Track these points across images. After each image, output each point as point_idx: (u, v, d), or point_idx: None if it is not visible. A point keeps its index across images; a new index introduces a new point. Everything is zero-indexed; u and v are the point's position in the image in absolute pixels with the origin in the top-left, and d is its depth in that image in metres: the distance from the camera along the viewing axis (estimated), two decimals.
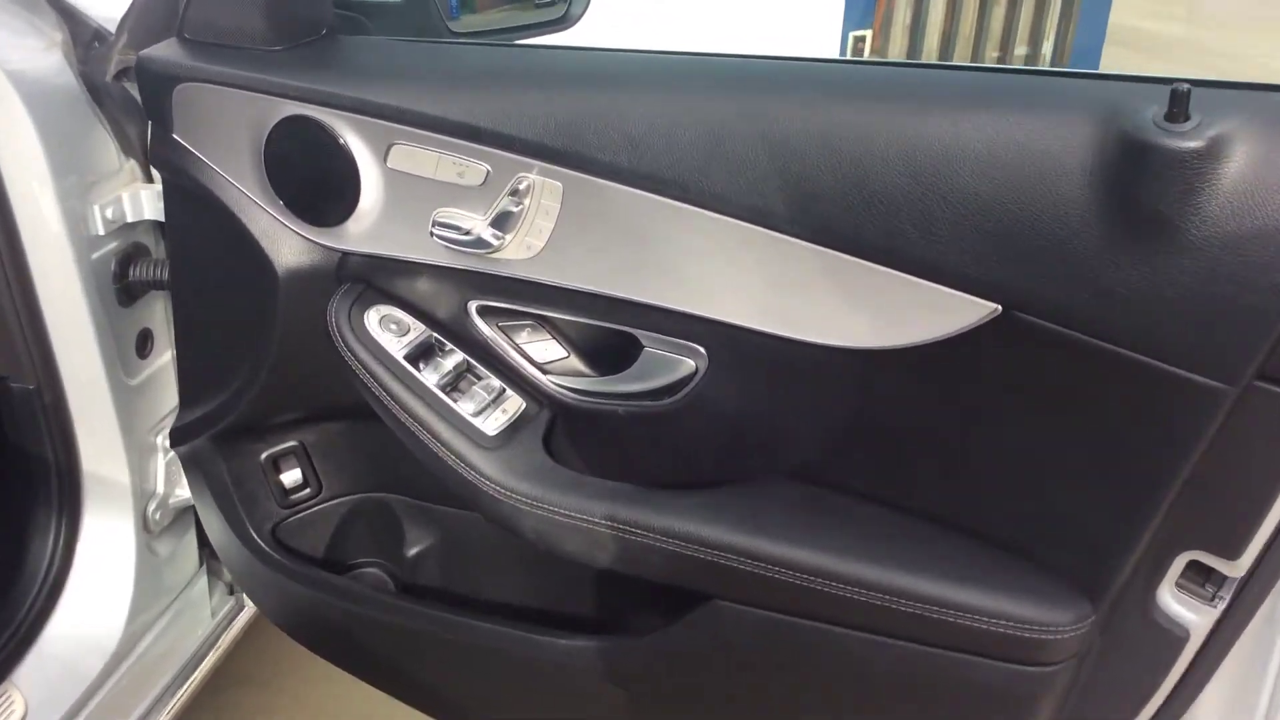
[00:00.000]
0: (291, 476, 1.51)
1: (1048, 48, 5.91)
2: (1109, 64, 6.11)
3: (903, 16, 5.15)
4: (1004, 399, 0.98)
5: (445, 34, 1.48)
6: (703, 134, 1.00)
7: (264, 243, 1.25)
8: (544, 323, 1.23)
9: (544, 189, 1.08)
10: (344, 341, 1.23)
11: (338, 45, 1.25)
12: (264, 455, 1.50)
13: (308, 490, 1.47)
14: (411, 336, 1.25)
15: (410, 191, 1.15)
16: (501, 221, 1.11)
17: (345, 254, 1.25)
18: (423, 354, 1.24)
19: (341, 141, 1.16)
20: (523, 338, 1.25)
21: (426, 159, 1.12)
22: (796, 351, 1.05)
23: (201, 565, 1.68)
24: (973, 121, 0.90)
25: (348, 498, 1.52)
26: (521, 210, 1.10)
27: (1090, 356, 0.88)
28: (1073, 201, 0.86)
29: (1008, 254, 0.89)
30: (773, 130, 0.97)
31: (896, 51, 5.18)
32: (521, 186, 1.09)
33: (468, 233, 1.14)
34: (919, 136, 0.92)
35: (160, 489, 1.54)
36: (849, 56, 4.78)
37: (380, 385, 1.21)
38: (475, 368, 1.26)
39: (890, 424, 1.06)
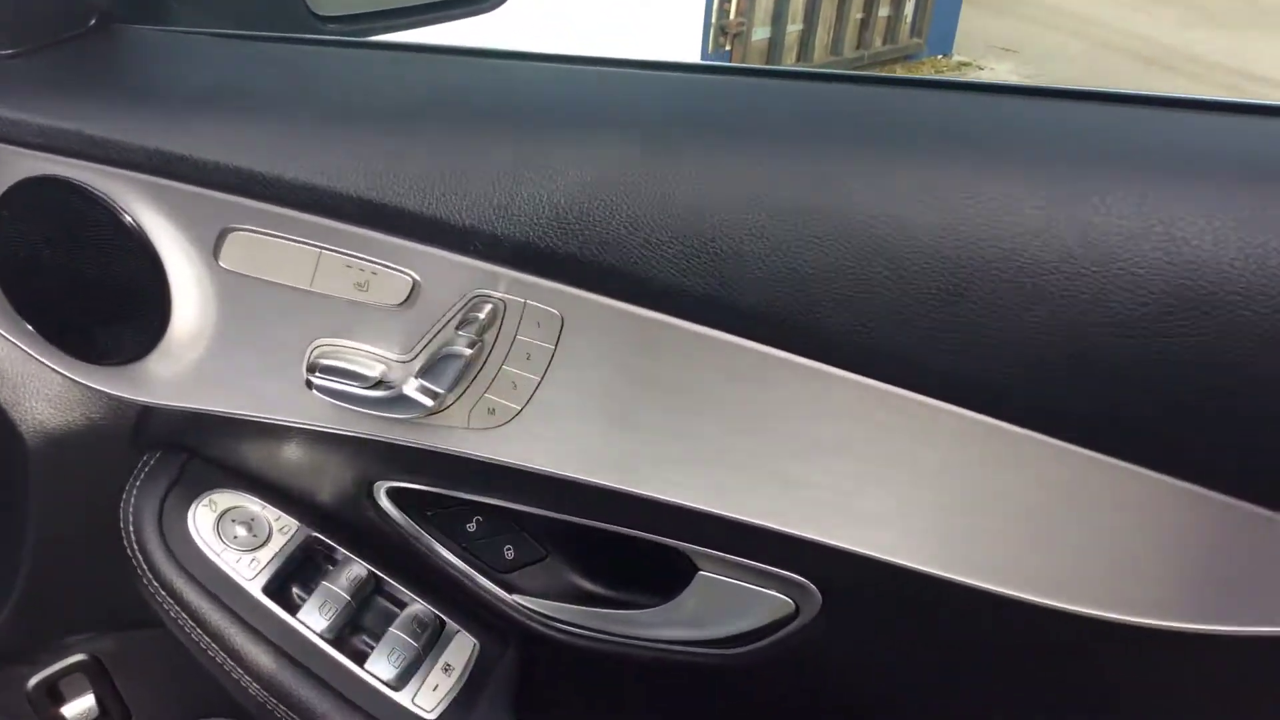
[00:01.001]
0: (79, 707, 0.96)
1: (909, 8, 5.77)
2: (965, 24, 5.98)
3: None
4: None
5: (313, 24, 0.86)
6: (842, 230, 0.52)
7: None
8: (502, 510, 0.73)
9: (525, 320, 0.59)
10: (149, 565, 0.70)
11: (119, 46, 0.71)
12: (33, 681, 0.94)
13: None
14: (275, 546, 0.72)
15: (263, 309, 0.64)
16: (439, 370, 0.60)
17: (147, 408, 0.71)
18: (296, 575, 0.73)
19: (129, 222, 0.62)
20: (471, 531, 0.75)
21: (295, 257, 0.61)
22: (971, 604, 0.59)
23: None
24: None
25: None
26: (479, 353, 0.59)
27: None
28: None
29: None
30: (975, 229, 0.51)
31: (760, 13, 4.81)
32: (480, 314, 0.58)
33: (376, 384, 0.63)
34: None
35: None
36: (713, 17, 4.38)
37: (220, 641, 0.68)
38: (387, 587, 0.74)
39: None
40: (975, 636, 0.63)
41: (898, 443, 0.56)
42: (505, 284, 0.59)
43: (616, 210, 0.55)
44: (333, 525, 0.75)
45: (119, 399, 0.71)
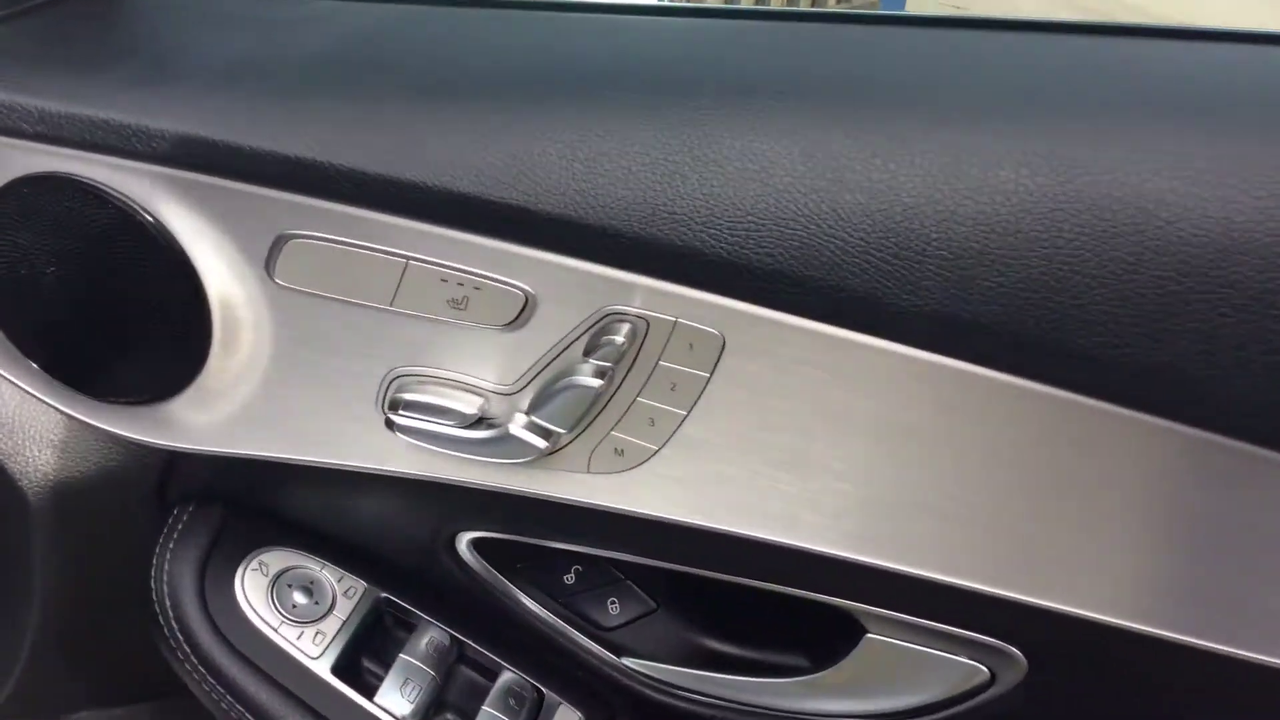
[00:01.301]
0: None
1: None
2: None
3: None
4: None
5: None
6: (1104, 222, 0.41)
7: None
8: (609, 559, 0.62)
9: (674, 341, 0.47)
10: (191, 645, 0.58)
11: (135, 4, 0.57)
12: None
13: None
14: (341, 613, 0.60)
15: (330, 334, 0.52)
16: (557, 404, 0.48)
17: (177, 455, 0.59)
18: (367, 646, 0.61)
19: (156, 229, 0.50)
20: (568, 583, 0.63)
21: (372, 269, 0.49)
22: (1201, 667, 0.49)
23: None
24: None
25: None
26: (609, 383, 0.48)
27: None
28: None
29: None
30: None
31: None
32: (617, 336, 0.47)
33: (475, 422, 0.51)
34: None
35: None
36: None
37: None
38: (471, 653, 0.63)
39: None
40: (1204, 703, 0.53)
41: (1145, 487, 0.45)
42: (645, 298, 0.46)
43: (806, 208, 0.43)
44: (404, 583, 0.63)
45: (142, 443, 0.58)
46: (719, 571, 0.56)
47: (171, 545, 0.60)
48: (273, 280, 0.50)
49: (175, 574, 0.60)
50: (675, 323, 0.47)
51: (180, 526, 0.61)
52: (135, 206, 0.50)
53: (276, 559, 0.61)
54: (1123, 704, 0.54)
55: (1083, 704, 0.55)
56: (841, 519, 0.49)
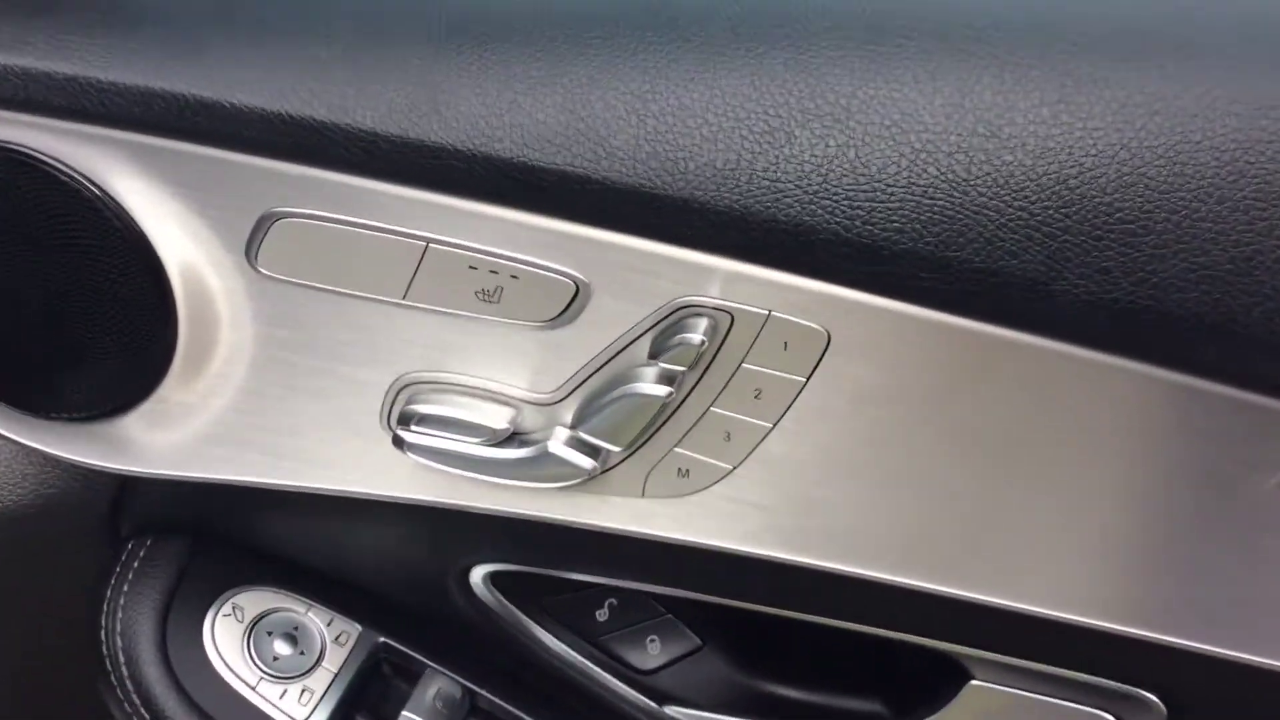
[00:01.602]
0: None
1: None
2: None
3: None
4: None
5: None
6: None
7: None
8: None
9: (764, 339, 0.38)
10: (146, 701, 0.48)
11: None
12: None
13: None
14: (332, 664, 0.51)
15: (326, 334, 0.42)
16: (610, 416, 0.39)
17: (132, 480, 0.48)
18: (364, 702, 0.51)
19: (110, 207, 0.39)
20: (601, 619, 0.54)
21: (382, 255, 0.39)
22: None
23: None
24: None
25: None
26: (678, 389, 0.38)
27: None
28: None
29: None
30: None
31: None
32: (693, 334, 0.37)
33: (506, 439, 0.41)
34: None
35: None
36: None
37: None
38: (485, 704, 0.54)
39: None
40: None
41: None
42: (729, 286, 0.38)
43: (951, 172, 0.34)
44: (406, 624, 0.54)
45: (90, 467, 0.48)
46: (798, 611, 0.48)
47: (125, 587, 0.50)
48: (255, 269, 0.41)
49: (130, 620, 0.50)
50: (768, 316, 0.38)
51: (136, 564, 0.51)
52: (81, 179, 0.39)
53: (253, 601, 0.51)
54: None
55: None
56: (960, 552, 0.41)
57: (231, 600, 0.51)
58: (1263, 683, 0.42)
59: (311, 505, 0.50)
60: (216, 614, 0.51)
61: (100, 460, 0.47)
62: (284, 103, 0.37)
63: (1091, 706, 0.46)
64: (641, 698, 0.55)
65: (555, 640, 0.54)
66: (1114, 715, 0.46)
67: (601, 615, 0.55)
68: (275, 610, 0.52)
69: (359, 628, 0.53)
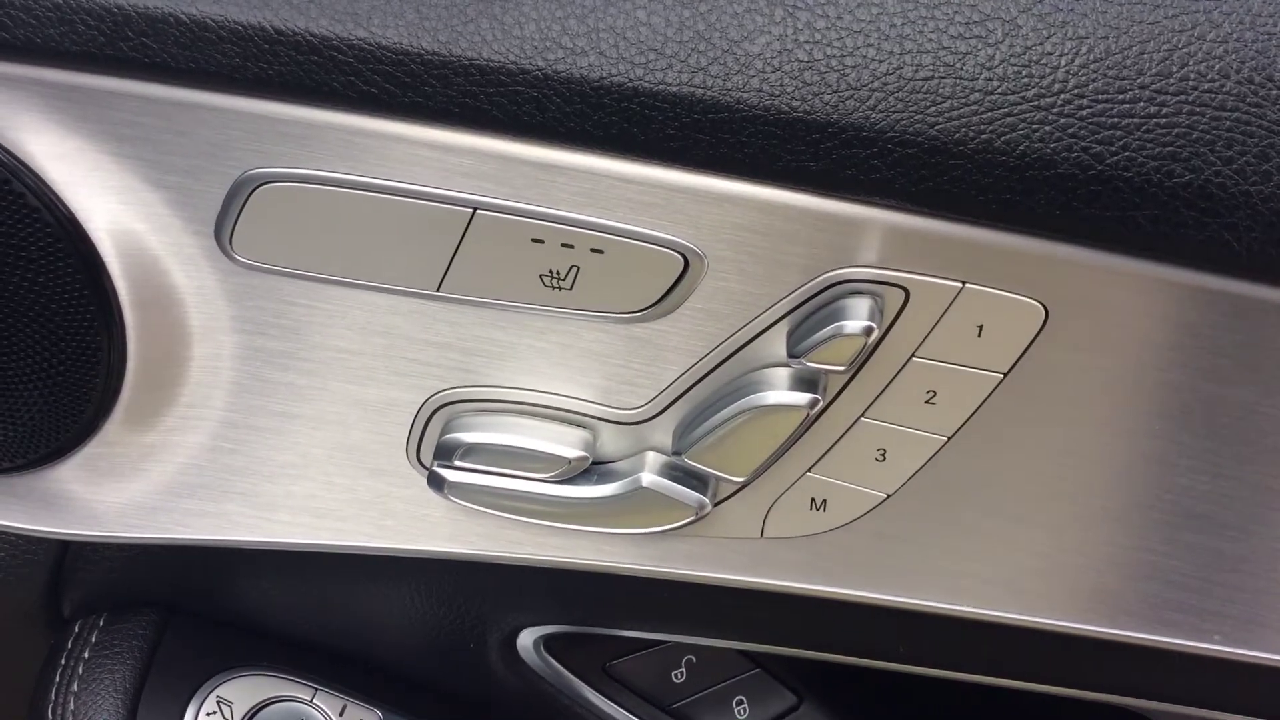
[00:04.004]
0: None
1: None
2: None
3: None
4: None
5: None
6: None
7: None
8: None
9: (946, 322, 0.27)
10: None
11: None
12: None
13: None
14: None
15: (326, 338, 0.31)
16: (734, 438, 0.28)
17: (74, 546, 0.37)
18: None
19: (26, 183, 0.28)
20: (677, 682, 0.44)
21: (409, 228, 0.27)
22: None
23: None
24: None
25: None
26: (824, 394, 0.28)
27: None
28: None
29: None
30: None
31: None
32: (851, 322, 0.27)
33: (581, 474, 0.30)
34: None
35: None
36: None
37: None
38: None
39: None
40: None
41: None
42: (899, 250, 0.27)
43: (1249, 62, 0.24)
44: (436, 704, 0.43)
45: (15, 534, 0.36)
46: (951, 671, 0.38)
47: (75, 684, 0.39)
48: (230, 255, 0.29)
49: None
50: (961, 289, 0.27)
51: (87, 652, 0.40)
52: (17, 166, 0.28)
53: (245, 689, 0.40)
54: None
55: None
56: (1156, 587, 0.32)
57: (216, 691, 0.40)
58: None
59: (315, 566, 0.39)
60: (199, 710, 0.40)
61: (28, 524, 0.36)
62: (266, 14, 0.26)
63: None
64: None
65: (622, 710, 0.44)
66: None
67: (678, 676, 0.45)
68: (274, 700, 0.41)
69: (378, 713, 0.42)
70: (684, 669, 0.45)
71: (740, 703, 0.46)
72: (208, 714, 0.40)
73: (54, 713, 0.40)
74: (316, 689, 0.42)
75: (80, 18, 0.26)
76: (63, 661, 0.40)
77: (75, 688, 0.39)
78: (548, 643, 0.42)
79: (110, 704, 0.40)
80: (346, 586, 0.42)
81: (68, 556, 0.40)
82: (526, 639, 0.42)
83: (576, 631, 0.42)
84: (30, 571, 0.40)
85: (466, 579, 0.40)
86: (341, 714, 0.41)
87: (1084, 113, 0.25)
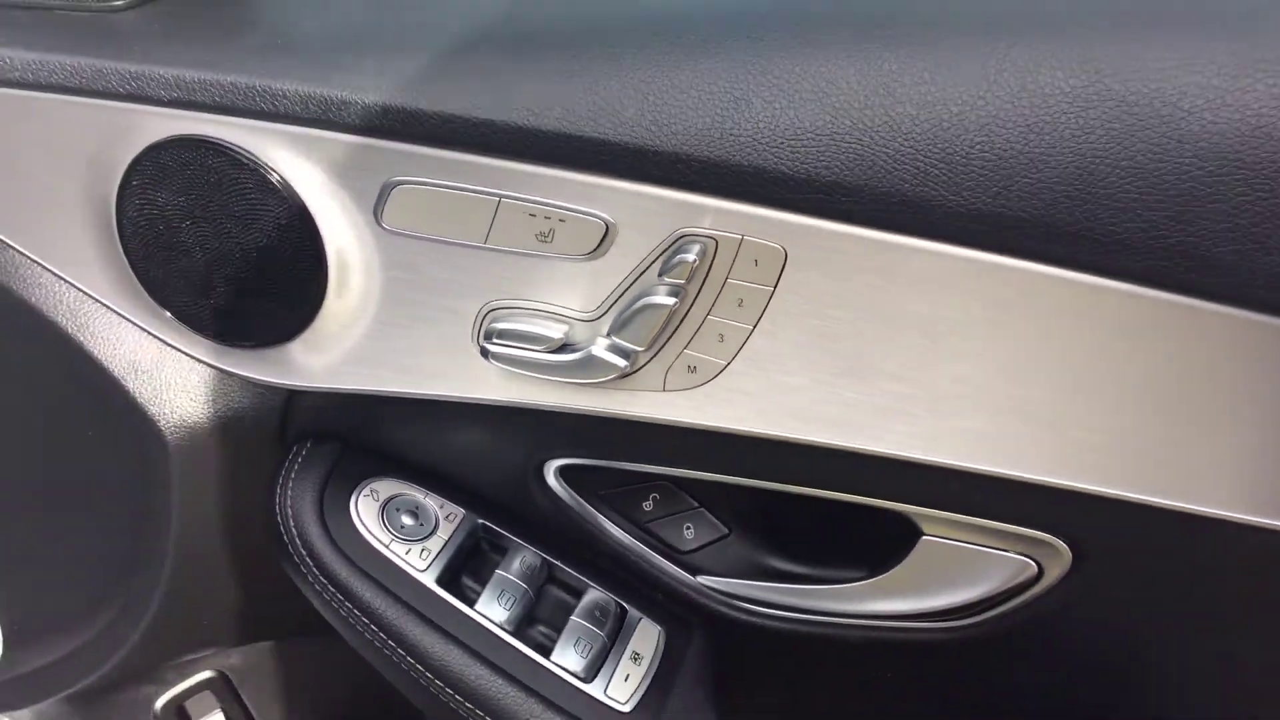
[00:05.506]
0: None
1: None
2: None
3: None
4: None
5: None
6: (1137, 118, 0.46)
7: (132, 384, 0.65)
8: (679, 484, 0.68)
9: (740, 258, 0.52)
10: (315, 562, 0.64)
11: None
12: (160, 702, 0.90)
13: None
14: (444, 535, 0.66)
15: (432, 273, 0.58)
16: (634, 325, 0.54)
17: (295, 393, 0.65)
18: (467, 565, 0.67)
19: (279, 183, 0.56)
20: (647, 510, 0.69)
21: (469, 209, 0.55)
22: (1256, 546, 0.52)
23: None
24: None
25: None
26: (683, 301, 0.53)
27: None
28: None
29: None
30: None
31: None
32: (689, 255, 0.52)
33: (561, 347, 0.57)
34: None
35: None
36: None
37: (398, 638, 0.63)
38: (560, 574, 0.69)
39: None
40: (1256, 585, 0.56)
41: (1195, 371, 0.49)
42: (714, 218, 0.52)
43: (861, 122, 0.48)
44: (498, 510, 0.70)
45: (266, 385, 0.65)
46: (785, 483, 0.61)
47: (293, 478, 0.67)
48: (380, 225, 0.57)
49: (297, 500, 0.66)
50: (741, 239, 0.52)
51: (300, 461, 0.68)
52: (261, 163, 0.56)
53: (386, 487, 0.68)
54: (1167, 588, 0.58)
55: (1127, 593, 0.59)
56: (897, 419, 0.54)
57: (370, 486, 0.68)
58: (1151, 520, 0.53)
59: (425, 415, 0.65)
60: (359, 495, 0.67)
61: (273, 378, 0.64)
62: (402, 99, 0.53)
63: (1015, 553, 0.58)
64: (680, 571, 0.69)
65: (612, 526, 0.69)
66: (1034, 560, 0.58)
67: (647, 506, 0.69)
68: (401, 494, 0.68)
69: (463, 511, 0.69)
70: (651, 502, 0.70)
71: (689, 528, 0.70)
72: (364, 497, 0.67)
73: (279, 498, 0.68)
74: (427, 492, 0.69)
75: (312, 103, 0.54)
76: (285, 468, 0.69)
77: (292, 480, 0.68)
78: (564, 472, 0.68)
79: (311, 491, 0.67)
80: (447, 431, 0.69)
81: (290, 403, 0.69)
82: (551, 469, 0.68)
83: (581, 464, 0.67)
84: (270, 412, 0.68)
85: (514, 424, 0.65)
86: (441, 507, 0.68)
87: (783, 145, 0.49)
